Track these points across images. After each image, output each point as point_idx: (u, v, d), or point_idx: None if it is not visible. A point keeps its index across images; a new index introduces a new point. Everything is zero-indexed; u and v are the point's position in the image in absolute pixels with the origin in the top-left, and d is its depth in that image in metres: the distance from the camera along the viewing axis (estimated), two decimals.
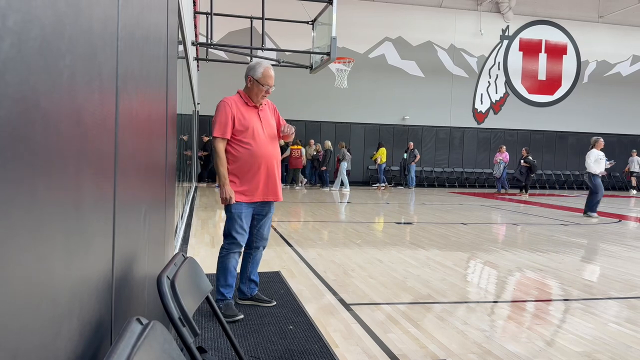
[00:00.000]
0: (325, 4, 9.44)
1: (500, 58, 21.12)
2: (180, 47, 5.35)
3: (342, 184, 16.63)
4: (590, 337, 3.29)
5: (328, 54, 9.34)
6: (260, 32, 10.02)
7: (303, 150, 17.34)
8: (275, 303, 3.81)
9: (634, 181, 20.11)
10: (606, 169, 12.04)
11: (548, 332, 3.38)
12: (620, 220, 10.20)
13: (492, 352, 2.98)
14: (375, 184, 18.77)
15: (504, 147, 17.64)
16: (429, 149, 20.51)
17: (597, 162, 10.53)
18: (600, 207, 11.16)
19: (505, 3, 20.54)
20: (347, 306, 3.83)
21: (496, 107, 21.14)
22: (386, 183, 17.90)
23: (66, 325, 0.89)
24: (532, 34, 21.35)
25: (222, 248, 3.64)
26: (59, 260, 0.84)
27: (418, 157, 18.24)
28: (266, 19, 9.67)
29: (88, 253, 1.03)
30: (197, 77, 14.55)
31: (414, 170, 18.40)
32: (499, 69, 21.11)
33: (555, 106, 21.68)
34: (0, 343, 0.61)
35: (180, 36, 5.16)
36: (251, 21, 10.63)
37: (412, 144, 18.37)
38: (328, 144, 17.47)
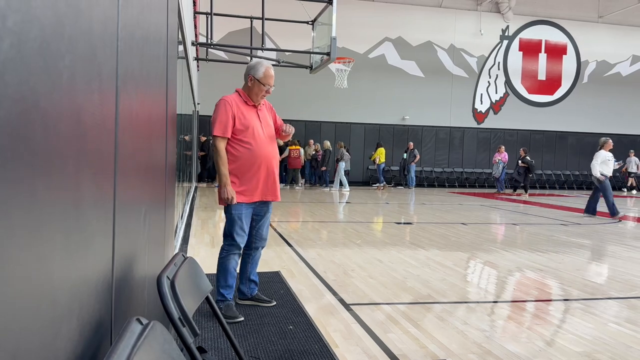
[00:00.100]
0: (325, 4, 9.45)
1: (500, 58, 21.12)
2: (180, 47, 5.35)
3: (341, 184, 16.63)
4: (590, 337, 3.29)
5: (328, 54, 9.34)
6: (260, 32, 10.02)
7: (301, 150, 17.34)
8: (275, 303, 3.80)
9: (630, 181, 20.09)
10: (614, 170, 11.77)
11: (548, 332, 3.38)
12: (620, 220, 10.20)
13: (492, 352, 2.98)
14: (375, 184, 18.77)
15: (503, 147, 17.64)
16: (428, 149, 20.52)
17: (605, 163, 10.29)
18: (600, 207, 11.14)
19: (505, 3, 20.55)
20: (347, 306, 3.83)
21: (496, 107, 21.15)
22: (384, 183, 17.89)
23: (66, 325, 0.89)
24: (532, 34, 21.35)
25: (221, 249, 3.63)
26: (59, 261, 0.84)
27: (418, 157, 18.24)
28: (266, 19, 9.67)
29: (88, 253, 1.03)
30: (197, 77, 14.55)
31: (414, 170, 18.40)
32: (498, 69, 21.12)
33: (555, 106, 21.68)
34: (0, 343, 0.61)
35: (180, 36, 5.16)
36: (251, 21, 10.63)
37: (412, 144, 18.37)
38: (327, 144, 17.47)
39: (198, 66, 14.19)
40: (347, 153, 16.98)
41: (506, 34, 21.11)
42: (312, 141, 18.11)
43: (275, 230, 7.57)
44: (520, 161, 16.38)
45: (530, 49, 21.36)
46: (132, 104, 1.52)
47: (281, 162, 16.89)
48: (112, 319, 1.29)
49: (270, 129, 3.64)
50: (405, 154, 18.36)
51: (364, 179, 19.90)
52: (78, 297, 0.96)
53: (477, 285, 4.67)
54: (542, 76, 21.51)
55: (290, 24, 11.27)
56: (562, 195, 17.57)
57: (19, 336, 0.67)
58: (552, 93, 21.64)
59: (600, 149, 10.50)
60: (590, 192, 11.27)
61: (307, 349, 2.95)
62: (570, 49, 21.70)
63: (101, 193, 1.14)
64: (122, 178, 1.37)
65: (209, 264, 4.74)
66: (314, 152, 17.70)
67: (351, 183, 18.62)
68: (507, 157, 17.41)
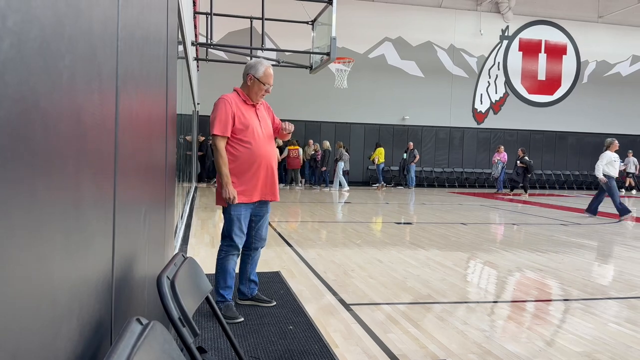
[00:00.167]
0: (325, 4, 9.45)
1: (500, 58, 21.13)
2: (180, 47, 5.35)
3: (340, 184, 16.64)
4: (590, 337, 3.29)
5: (328, 54, 9.34)
6: (260, 32, 10.02)
7: (300, 150, 17.34)
8: (275, 303, 3.80)
9: (629, 182, 20.08)
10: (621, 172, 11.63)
11: (548, 332, 3.38)
12: (620, 220, 10.20)
13: (492, 352, 2.98)
14: (375, 184, 18.78)
15: (502, 147, 17.65)
16: (428, 149, 20.52)
17: (610, 164, 10.21)
18: (601, 208, 11.14)
19: (504, 3, 20.55)
20: (347, 306, 3.83)
21: (496, 107, 21.15)
22: (382, 183, 17.89)
23: (66, 325, 0.89)
24: (532, 34, 21.36)
25: (220, 250, 3.62)
26: (59, 261, 0.84)
27: (417, 157, 18.25)
28: (266, 19, 9.67)
29: (88, 253, 1.03)
30: (197, 77, 14.56)
31: (414, 170, 18.40)
32: (498, 69, 21.12)
33: (554, 106, 21.69)
34: (0, 343, 0.61)
35: (180, 36, 5.16)
36: (251, 21, 10.63)
37: (411, 144, 18.38)
38: (326, 144, 17.47)
39: (198, 66, 14.20)
40: (346, 153, 16.99)
41: (506, 34, 21.11)
42: (311, 141, 18.11)
43: (275, 230, 7.56)
44: (518, 161, 16.38)
45: (530, 49, 21.36)
46: (132, 104, 1.52)
47: (281, 162, 16.89)
48: (112, 319, 1.29)
49: (268, 129, 3.63)
50: (405, 154, 18.36)
51: (364, 179, 19.90)
52: (78, 297, 0.96)
53: (477, 285, 4.67)
54: (542, 76, 21.52)
55: (290, 24, 11.26)
56: (562, 196, 17.57)
57: (19, 336, 0.67)
58: (552, 93, 21.65)
59: (605, 149, 10.41)
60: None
61: (307, 349, 2.95)
62: (570, 49, 21.70)
63: (101, 193, 1.14)
64: (122, 178, 1.37)
65: (208, 264, 4.74)
66: (313, 152, 17.70)
67: (351, 183, 18.63)
68: (506, 157, 17.42)
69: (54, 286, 0.82)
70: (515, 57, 21.26)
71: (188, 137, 7.39)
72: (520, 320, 3.62)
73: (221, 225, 3.98)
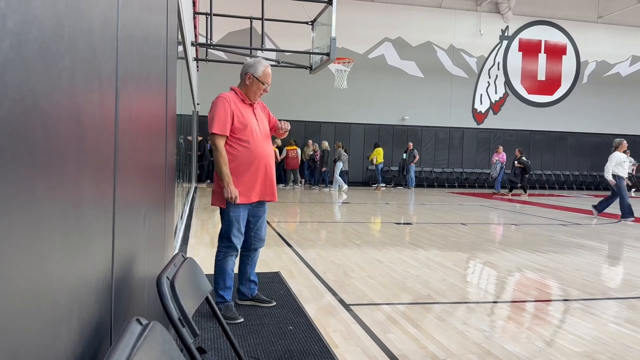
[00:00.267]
0: (325, 4, 9.45)
1: (499, 58, 21.13)
2: (180, 48, 5.35)
3: (331, 182, 16.68)
4: (589, 338, 3.29)
5: (328, 54, 9.34)
6: (260, 33, 10.02)
7: (299, 150, 17.35)
8: (275, 303, 3.80)
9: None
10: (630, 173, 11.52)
11: (548, 333, 3.38)
12: (620, 220, 10.20)
13: (491, 353, 2.98)
14: (374, 184, 18.79)
15: (501, 147, 17.66)
16: (428, 149, 20.52)
17: (620, 164, 10.13)
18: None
19: (504, 3, 20.56)
20: (346, 306, 3.83)
21: (496, 107, 21.15)
22: (380, 184, 17.89)
23: (66, 325, 0.89)
24: (532, 34, 21.36)
25: (218, 251, 3.60)
26: (59, 261, 0.84)
27: (417, 157, 18.25)
28: (266, 19, 9.67)
29: (88, 253, 1.03)
30: (197, 78, 14.56)
31: (414, 170, 18.41)
32: (498, 69, 21.13)
33: (554, 106, 21.69)
34: (0, 344, 0.61)
35: (179, 37, 5.16)
36: (251, 22, 10.63)
37: (411, 144, 18.38)
38: (325, 144, 17.48)
39: (198, 66, 14.20)
40: (344, 153, 17.00)
41: (506, 34, 21.12)
42: (310, 141, 18.11)
43: (275, 230, 7.56)
44: (516, 162, 16.38)
45: (529, 49, 21.37)
46: (132, 104, 1.52)
47: (280, 162, 16.90)
48: (111, 320, 1.29)
49: (265, 128, 3.62)
50: (404, 154, 18.36)
51: (363, 179, 19.90)
52: (78, 298, 0.96)
53: (477, 285, 4.67)
54: (541, 76, 21.52)
55: (289, 25, 11.26)
56: (562, 196, 17.57)
57: (19, 337, 0.67)
58: (551, 93, 21.65)
59: (614, 150, 10.32)
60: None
61: (307, 349, 2.95)
62: (569, 49, 21.71)
63: (101, 193, 1.14)
64: (122, 178, 1.37)
65: (208, 265, 4.74)
66: (312, 153, 17.71)
67: (351, 183, 18.63)
68: (505, 157, 17.42)
69: (54, 286, 0.82)
70: (515, 58, 21.26)
71: (190, 138, 7.39)
72: (520, 321, 3.62)
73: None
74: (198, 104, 15.31)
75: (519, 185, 16.60)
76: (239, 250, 3.65)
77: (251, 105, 3.57)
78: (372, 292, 4.24)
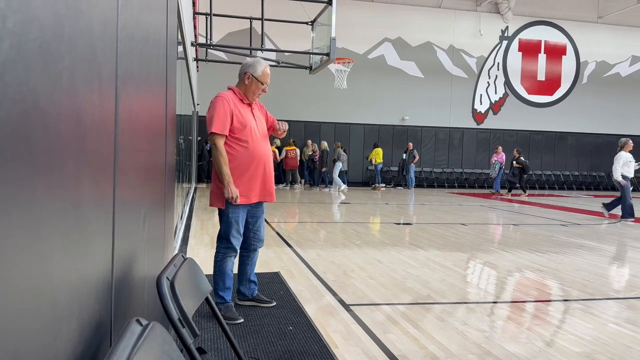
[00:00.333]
0: (325, 4, 9.45)
1: (499, 58, 21.13)
2: (180, 48, 5.35)
3: (331, 182, 16.69)
4: (589, 338, 3.29)
5: (327, 54, 9.34)
6: (260, 33, 10.02)
7: (297, 150, 17.35)
8: (275, 303, 3.80)
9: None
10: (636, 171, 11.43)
11: (548, 333, 3.38)
12: (619, 220, 10.20)
13: (491, 353, 2.98)
14: (373, 184, 18.80)
15: (500, 147, 17.66)
16: (428, 150, 20.52)
17: (626, 164, 10.07)
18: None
19: (504, 3, 20.56)
20: (346, 307, 3.83)
21: (495, 107, 21.15)
22: (379, 184, 17.88)
23: (66, 326, 0.89)
24: (532, 34, 21.36)
25: (217, 252, 3.59)
26: (59, 261, 0.84)
27: (417, 157, 18.25)
28: (265, 19, 9.67)
29: (88, 254, 1.03)
30: (197, 78, 14.56)
31: (414, 170, 18.41)
32: (498, 70, 21.13)
33: (554, 107, 21.69)
34: (0, 344, 0.61)
35: (179, 37, 5.16)
36: (250, 22, 10.63)
37: (411, 144, 18.38)
38: (324, 144, 17.48)
39: (197, 67, 14.20)
40: (344, 153, 17.00)
41: (505, 34, 21.12)
42: (310, 142, 18.11)
43: (275, 230, 7.57)
44: (514, 162, 16.38)
45: (529, 50, 21.37)
46: (132, 104, 1.52)
47: (279, 162, 16.90)
48: (111, 320, 1.29)
49: (263, 128, 3.62)
50: (404, 155, 18.36)
51: (363, 179, 19.90)
52: (78, 298, 0.96)
53: (477, 285, 4.67)
54: (541, 77, 21.52)
55: (289, 25, 11.26)
56: (562, 196, 17.57)
57: (19, 337, 0.67)
58: (551, 93, 21.65)
59: (620, 150, 10.26)
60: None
61: (307, 349, 2.95)
62: (569, 49, 21.71)
63: (101, 194, 1.14)
64: (121, 178, 1.37)
65: (208, 265, 4.73)
66: (311, 153, 17.71)
67: (351, 184, 18.64)
68: (504, 157, 17.42)
69: (54, 286, 0.82)
70: (515, 58, 21.26)
71: (190, 138, 7.38)
72: (519, 321, 3.62)
73: None
74: (198, 104, 15.32)
75: (517, 185, 16.59)
76: (238, 251, 3.64)
77: (249, 105, 3.56)
78: (372, 293, 4.24)
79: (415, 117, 20.25)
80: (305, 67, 10.95)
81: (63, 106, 0.83)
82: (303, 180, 18.09)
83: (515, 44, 21.22)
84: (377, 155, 17.66)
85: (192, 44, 8.96)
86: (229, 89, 3.58)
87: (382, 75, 19.78)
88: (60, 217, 0.84)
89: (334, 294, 4.18)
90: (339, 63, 15.10)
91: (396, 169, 19.53)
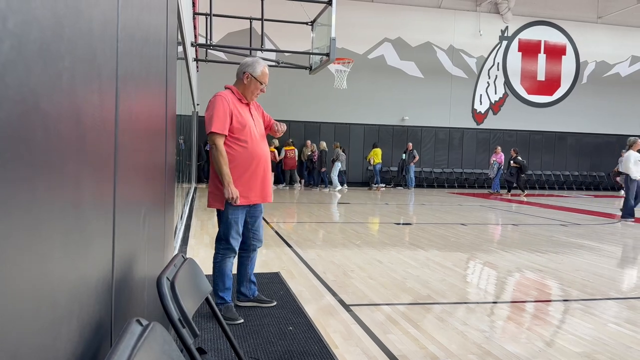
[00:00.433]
0: (325, 4, 9.45)
1: (499, 59, 21.13)
2: (180, 48, 5.35)
3: (331, 183, 16.69)
4: (589, 338, 3.29)
5: (327, 54, 9.34)
6: (260, 33, 10.02)
7: (296, 151, 17.34)
8: (275, 303, 3.80)
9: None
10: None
11: (547, 333, 3.38)
12: (619, 220, 10.20)
13: (491, 353, 2.98)
14: (373, 184, 18.80)
15: (499, 147, 17.67)
16: (428, 150, 20.52)
17: (635, 164, 9.99)
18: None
19: (504, 4, 20.56)
20: (346, 307, 3.83)
21: (495, 107, 21.15)
22: (377, 184, 17.88)
23: (66, 326, 0.89)
24: (531, 34, 21.36)
25: (216, 253, 3.59)
26: (59, 261, 0.84)
27: (417, 157, 18.25)
28: (265, 20, 9.67)
29: (88, 254, 1.03)
30: (197, 78, 14.56)
31: (413, 170, 18.41)
32: (498, 70, 21.13)
33: (554, 107, 21.69)
34: (0, 344, 0.61)
35: (179, 37, 5.16)
36: (250, 22, 10.63)
37: (410, 144, 18.38)
38: (323, 144, 17.48)
39: (197, 67, 14.20)
40: (342, 153, 17.00)
41: (505, 34, 21.12)
42: (309, 142, 18.11)
43: (274, 231, 7.56)
44: (512, 161, 16.37)
45: (529, 50, 21.37)
46: (132, 105, 1.52)
47: (279, 162, 16.90)
48: (112, 320, 1.29)
49: (261, 127, 3.61)
50: (404, 155, 18.36)
51: (363, 179, 19.90)
52: (78, 298, 0.96)
53: (477, 285, 4.67)
54: (541, 77, 21.52)
55: (289, 25, 11.26)
56: (561, 196, 17.58)
57: (19, 337, 0.67)
58: (551, 94, 21.65)
59: (628, 149, 10.20)
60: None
61: (307, 349, 2.95)
62: (569, 49, 21.71)
63: (101, 194, 1.14)
64: (121, 179, 1.37)
65: (208, 265, 4.73)
66: (310, 153, 17.71)
67: (350, 184, 18.63)
68: (503, 158, 17.42)
69: (54, 287, 0.82)
70: (515, 58, 21.26)
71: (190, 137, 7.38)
72: (519, 321, 3.62)
73: None
74: (198, 104, 15.32)
75: (514, 185, 16.59)
76: (237, 252, 3.64)
77: (247, 104, 3.56)
78: (372, 293, 4.24)
79: (415, 117, 20.24)
80: (305, 67, 10.95)
81: (63, 107, 0.83)
82: (303, 181, 18.09)
83: (515, 44, 21.22)
84: (376, 156, 17.65)
85: (192, 44, 8.96)
86: (226, 88, 3.57)
87: (381, 75, 19.78)
88: (60, 217, 0.84)
89: (334, 294, 4.18)
90: (338, 63, 15.10)
91: (396, 169, 19.53)
